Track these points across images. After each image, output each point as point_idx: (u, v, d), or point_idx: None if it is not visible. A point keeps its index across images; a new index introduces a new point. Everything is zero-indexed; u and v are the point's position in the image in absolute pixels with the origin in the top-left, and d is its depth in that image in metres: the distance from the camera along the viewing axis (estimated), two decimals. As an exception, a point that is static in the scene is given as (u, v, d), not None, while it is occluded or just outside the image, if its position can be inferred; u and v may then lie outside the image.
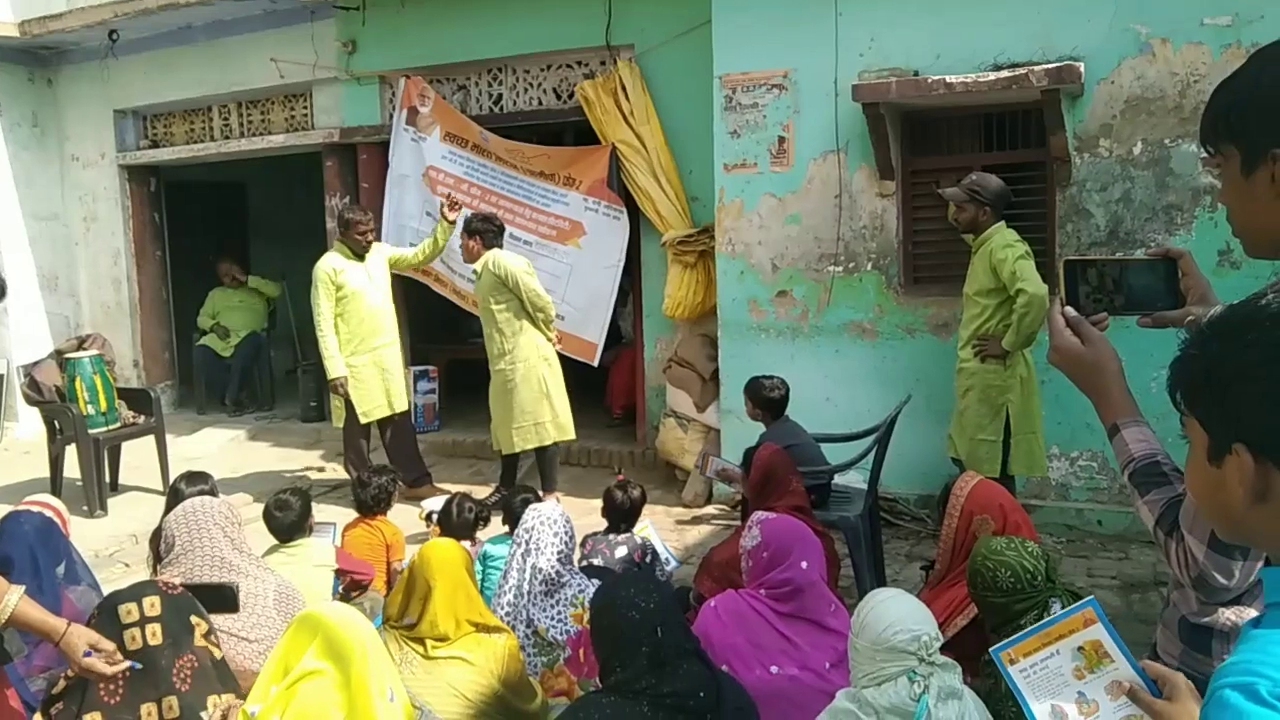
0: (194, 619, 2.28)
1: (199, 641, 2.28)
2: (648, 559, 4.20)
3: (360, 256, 6.10)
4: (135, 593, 2.20)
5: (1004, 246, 4.53)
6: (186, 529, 3.13)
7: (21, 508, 3.32)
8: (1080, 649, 1.42)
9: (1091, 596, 1.56)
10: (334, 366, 5.97)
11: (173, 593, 2.21)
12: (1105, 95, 5.05)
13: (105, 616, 2.18)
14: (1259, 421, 0.98)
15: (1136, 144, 5.02)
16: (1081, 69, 4.93)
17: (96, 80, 8.98)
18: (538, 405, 5.69)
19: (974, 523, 3.30)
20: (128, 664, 2.13)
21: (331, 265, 6.01)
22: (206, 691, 2.24)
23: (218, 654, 2.33)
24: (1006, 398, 4.63)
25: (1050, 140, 5.09)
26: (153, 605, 2.15)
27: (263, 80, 8.18)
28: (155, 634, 2.14)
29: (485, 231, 5.70)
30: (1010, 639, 1.44)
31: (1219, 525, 1.13)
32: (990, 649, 1.45)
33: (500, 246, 5.76)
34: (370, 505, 4.57)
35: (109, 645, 2.18)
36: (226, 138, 8.77)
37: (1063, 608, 2.74)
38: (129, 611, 2.14)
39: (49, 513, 3.32)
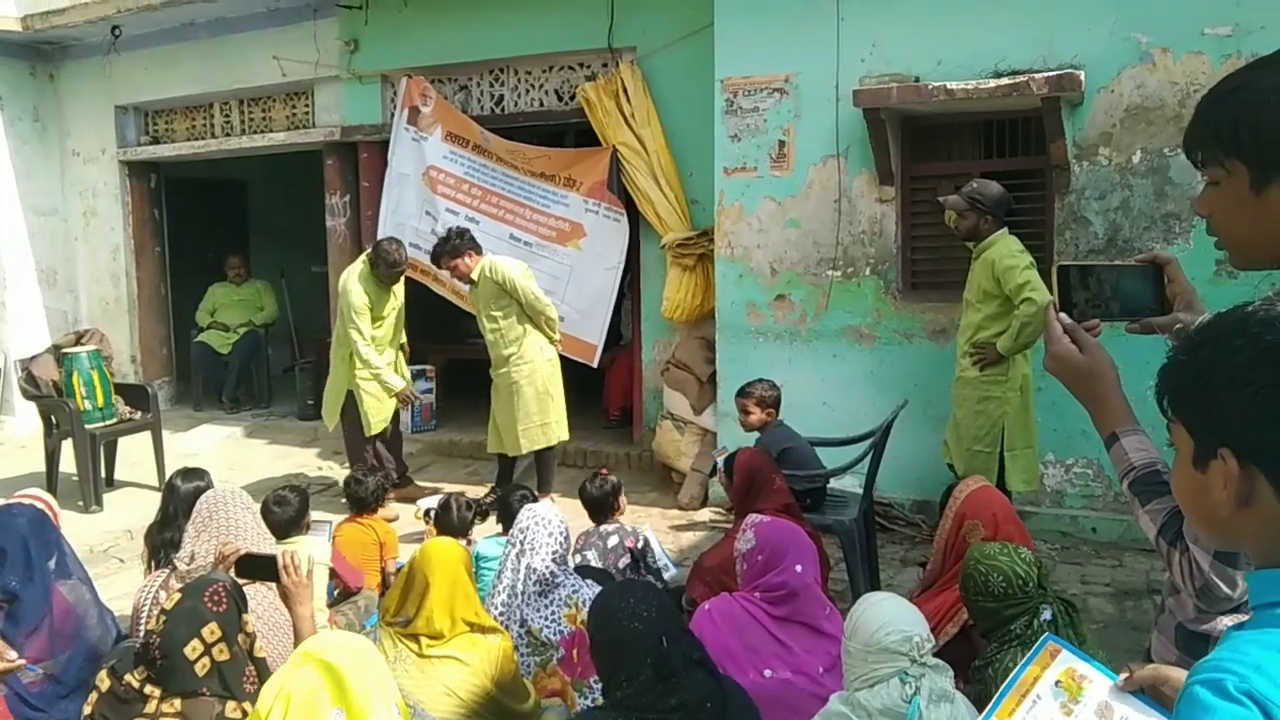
0: (242, 619, 2.28)
1: (243, 641, 2.28)
2: (639, 545, 4.20)
3: (387, 287, 6.06)
4: (193, 626, 2.16)
5: (1009, 255, 4.51)
6: (210, 507, 3.21)
7: (13, 500, 3.33)
8: (1058, 683, 1.40)
9: (1047, 633, 1.54)
10: (395, 381, 5.98)
11: (220, 609, 2.20)
12: (1105, 104, 5.06)
13: (175, 659, 2.14)
14: (1245, 426, 0.98)
15: (1136, 152, 5.03)
16: (1082, 77, 4.94)
17: (98, 76, 8.98)
18: (542, 406, 5.70)
19: (965, 527, 3.30)
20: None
21: (362, 300, 5.87)
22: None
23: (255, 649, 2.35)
24: (1004, 410, 4.62)
25: (1050, 148, 5.10)
26: (213, 632, 2.16)
27: (264, 78, 8.18)
28: (222, 651, 2.16)
29: (462, 247, 5.60)
30: (989, 707, 1.38)
31: (1202, 529, 1.13)
32: None
33: (480, 249, 5.70)
34: (368, 502, 4.58)
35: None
36: (227, 135, 8.78)
37: (1053, 614, 2.75)
38: (194, 649, 2.14)
39: (40, 505, 3.32)
